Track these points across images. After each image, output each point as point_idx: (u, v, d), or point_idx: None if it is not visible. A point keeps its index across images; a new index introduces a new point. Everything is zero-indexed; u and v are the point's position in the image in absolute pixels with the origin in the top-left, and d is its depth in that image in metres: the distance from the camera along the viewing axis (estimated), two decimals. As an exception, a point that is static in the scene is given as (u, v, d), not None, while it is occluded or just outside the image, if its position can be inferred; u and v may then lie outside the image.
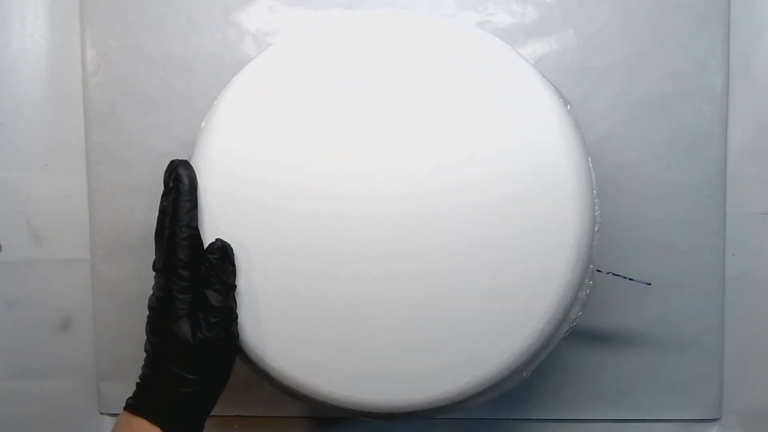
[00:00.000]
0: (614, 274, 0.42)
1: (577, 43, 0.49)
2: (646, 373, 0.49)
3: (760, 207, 0.49)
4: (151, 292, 0.37)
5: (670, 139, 0.49)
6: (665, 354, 0.49)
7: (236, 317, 0.36)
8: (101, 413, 0.52)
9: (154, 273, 0.36)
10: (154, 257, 0.36)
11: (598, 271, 0.39)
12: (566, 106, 0.38)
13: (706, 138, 0.49)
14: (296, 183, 0.38)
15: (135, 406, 0.36)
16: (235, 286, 0.37)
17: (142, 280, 0.50)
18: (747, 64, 0.49)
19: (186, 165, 0.37)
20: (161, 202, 0.37)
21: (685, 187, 0.49)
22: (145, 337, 0.37)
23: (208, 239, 0.37)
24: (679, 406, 0.50)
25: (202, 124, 0.40)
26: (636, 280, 0.38)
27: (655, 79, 0.48)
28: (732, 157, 0.49)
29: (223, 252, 0.36)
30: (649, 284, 0.41)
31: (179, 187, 0.36)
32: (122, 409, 0.37)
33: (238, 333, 0.37)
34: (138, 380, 0.37)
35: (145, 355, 0.37)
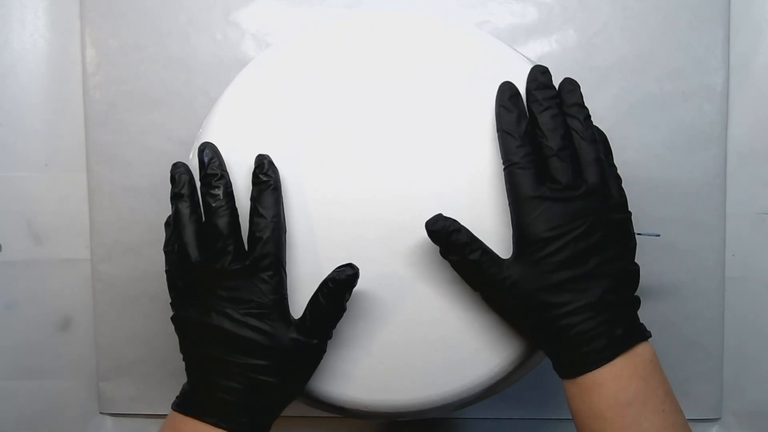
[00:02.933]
0: None
1: (578, 42, 0.49)
2: (646, 373, 0.49)
3: (760, 207, 0.49)
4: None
5: (670, 139, 0.49)
6: (665, 354, 0.49)
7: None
8: (101, 413, 0.52)
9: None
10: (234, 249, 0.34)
11: None
12: None
13: (706, 138, 0.49)
14: (295, 185, 0.38)
15: (187, 405, 0.34)
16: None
17: (142, 280, 0.50)
18: (747, 64, 0.49)
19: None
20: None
21: (685, 187, 0.49)
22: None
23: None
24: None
25: (201, 129, 0.40)
26: (644, 234, 0.37)
27: (655, 79, 0.48)
28: (732, 157, 0.49)
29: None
30: (659, 236, 0.40)
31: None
32: (170, 409, 0.35)
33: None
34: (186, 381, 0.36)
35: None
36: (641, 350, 0.33)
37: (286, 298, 0.35)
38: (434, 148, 0.37)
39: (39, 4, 0.51)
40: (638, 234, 0.36)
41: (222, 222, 0.35)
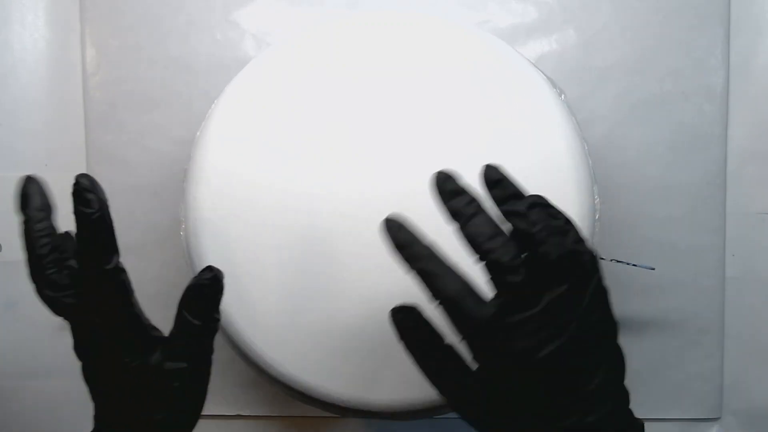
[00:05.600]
0: (617, 261, 0.42)
1: (578, 42, 0.49)
2: (646, 373, 0.49)
3: (760, 207, 0.49)
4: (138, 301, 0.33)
5: (670, 139, 0.49)
6: (665, 354, 0.49)
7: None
8: (101, 413, 0.52)
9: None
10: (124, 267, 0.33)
11: (602, 258, 0.39)
12: (560, 96, 0.39)
13: (706, 138, 0.49)
14: (295, 185, 0.38)
15: None
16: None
17: (142, 280, 0.50)
18: (747, 64, 0.49)
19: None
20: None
21: (685, 186, 0.49)
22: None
23: (206, 237, 0.37)
24: (679, 405, 0.50)
25: (200, 129, 0.40)
26: (640, 266, 0.37)
27: (655, 79, 0.48)
28: (732, 157, 0.49)
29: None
30: (653, 269, 0.40)
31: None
32: None
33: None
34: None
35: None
36: None
37: (141, 321, 0.32)
38: (434, 149, 0.37)
39: (39, 4, 0.51)
40: (633, 265, 0.35)
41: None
